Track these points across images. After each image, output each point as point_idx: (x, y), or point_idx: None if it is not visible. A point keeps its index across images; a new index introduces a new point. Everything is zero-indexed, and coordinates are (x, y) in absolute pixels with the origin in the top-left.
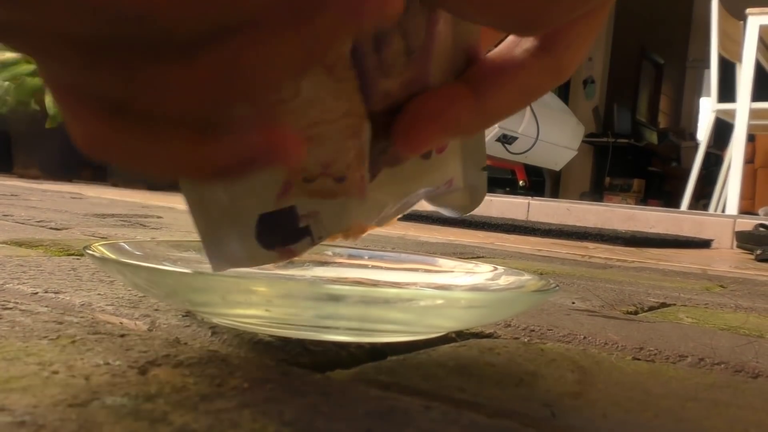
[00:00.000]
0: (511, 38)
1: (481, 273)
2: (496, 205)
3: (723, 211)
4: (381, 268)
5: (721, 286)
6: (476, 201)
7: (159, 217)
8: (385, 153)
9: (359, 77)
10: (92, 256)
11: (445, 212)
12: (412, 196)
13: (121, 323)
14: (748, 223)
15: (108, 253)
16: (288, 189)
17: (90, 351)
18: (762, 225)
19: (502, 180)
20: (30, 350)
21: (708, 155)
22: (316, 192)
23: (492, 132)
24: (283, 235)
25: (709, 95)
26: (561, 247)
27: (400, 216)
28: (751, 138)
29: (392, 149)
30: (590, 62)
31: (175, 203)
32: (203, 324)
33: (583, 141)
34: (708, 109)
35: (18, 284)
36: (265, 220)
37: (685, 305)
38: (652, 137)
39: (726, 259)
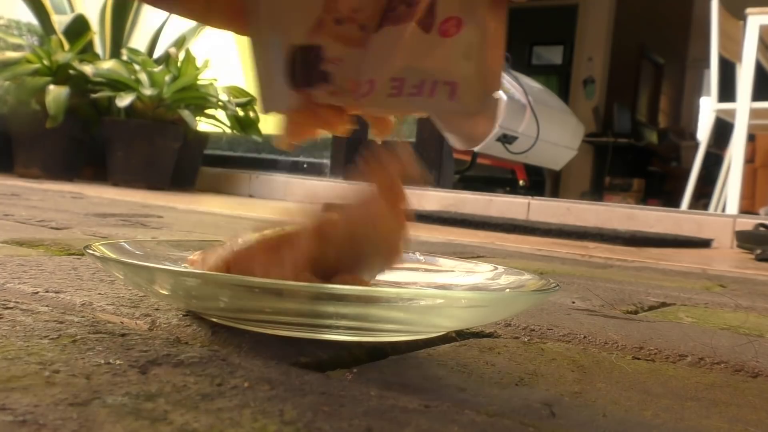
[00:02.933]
0: None
1: (481, 272)
2: (496, 204)
3: (723, 210)
4: None
5: (721, 285)
6: (485, 129)
7: (159, 217)
8: (393, 10)
9: None
10: (93, 255)
11: (453, 141)
12: (411, 86)
13: (121, 323)
14: (748, 223)
15: (109, 253)
16: (320, 27)
17: (91, 350)
18: (762, 225)
19: (503, 179)
20: (31, 349)
21: (708, 155)
22: (341, 36)
23: (493, 132)
24: (304, 75)
25: (709, 95)
26: (561, 247)
27: (400, 119)
28: (751, 138)
29: (399, 7)
30: (590, 62)
31: (176, 203)
32: (203, 324)
33: (583, 141)
34: (708, 108)
35: (19, 284)
36: (295, 54)
37: (685, 305)
38: (652, 137)
39: (726, 259)
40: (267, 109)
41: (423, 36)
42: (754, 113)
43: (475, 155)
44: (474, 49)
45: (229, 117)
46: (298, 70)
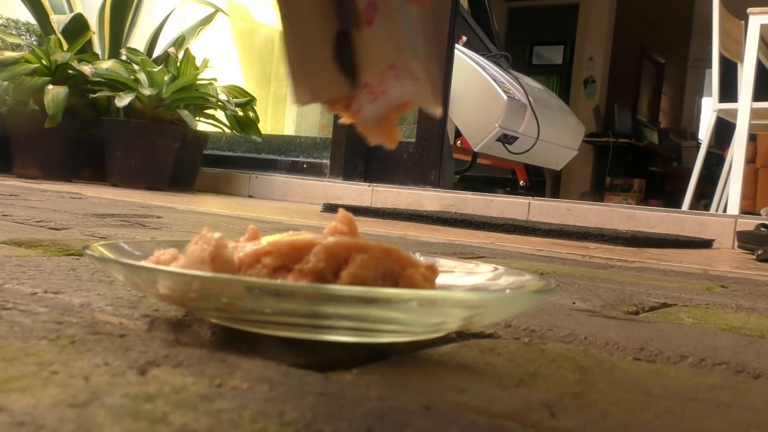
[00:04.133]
0: None
1: (482, 273)
2: (497, 205)
3: (724, 211)
4: None
5: (722, 286)
6: (429, 88)
7: (159, 217)
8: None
9: None
10: (92, 256)
11: (432, 110)
12: (378, 85)
13: (120, 323)
14: (749, 223)
15: (107, 253)
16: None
17: (89, 351)
18: (763, 225)
19: (503, 180)
20: (29, 350)
21: (709, 155)
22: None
23: (493, 132)
24: (346, 61)
25: (710, 95)
26: (561, 247)
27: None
28: (752, 138)
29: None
30: (591, 62)
31: (175, 203)
32: (203, 324)
33: (583, 141)
34: (709, 108)
35: (17, 284)
36: (339, 40)
37: (686, 305)
38: (653, 137)
39: (727, 259)
40: (306, 99)
41: (361, 36)
42: (756, 113)
43: (475, 155)
44: (398, 31)
45: (228, 117)
46: (342, 54)
